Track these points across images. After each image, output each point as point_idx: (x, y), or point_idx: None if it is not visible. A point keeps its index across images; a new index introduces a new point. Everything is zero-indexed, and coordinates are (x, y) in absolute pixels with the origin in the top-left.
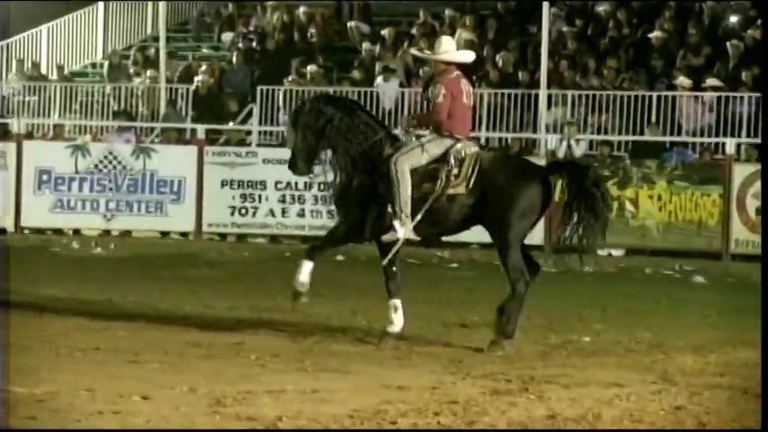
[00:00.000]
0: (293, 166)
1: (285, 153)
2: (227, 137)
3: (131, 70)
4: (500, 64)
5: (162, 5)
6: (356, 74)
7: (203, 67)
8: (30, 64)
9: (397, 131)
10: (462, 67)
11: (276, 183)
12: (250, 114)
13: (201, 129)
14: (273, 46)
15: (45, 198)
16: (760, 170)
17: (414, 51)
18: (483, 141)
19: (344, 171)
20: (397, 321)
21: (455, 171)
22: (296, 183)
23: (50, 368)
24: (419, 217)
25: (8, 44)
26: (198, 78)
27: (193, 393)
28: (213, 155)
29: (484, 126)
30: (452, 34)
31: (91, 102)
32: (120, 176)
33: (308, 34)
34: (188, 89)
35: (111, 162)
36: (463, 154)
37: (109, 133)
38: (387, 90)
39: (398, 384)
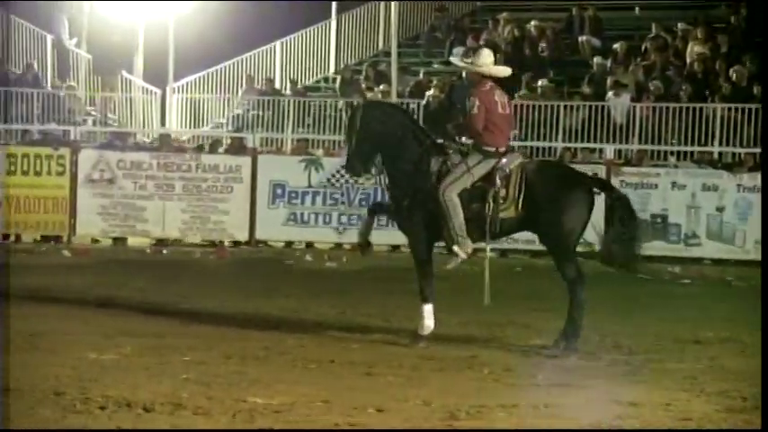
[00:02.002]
0: (350, 167)
1: None
2: None
3: (363, 85)
4: (734, 78)
5: (394, 20)
6: (587, 88)
7: (434, 82)
8: (265, 79)
9: (441, 140)
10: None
11: None
12: None
13: None
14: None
15: (279, 211)
16: None
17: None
18: (716, 156)
19: (396, 186)
20: (429, 324)
21: (502, 192)
22: None
23: (287, 380)
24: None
25: (242, 60)
26: (429, 93)
27: (427, 406)
28: None
29: (717, 141)
30: (684, 48)
31: (323, 116)
32: (353, 190)
33: (539, 48)
34: (419, 104)
35: (343, 176)
36: (508, 170)
37: (341, 148)
38: (618, 105)
39: (631, 400)
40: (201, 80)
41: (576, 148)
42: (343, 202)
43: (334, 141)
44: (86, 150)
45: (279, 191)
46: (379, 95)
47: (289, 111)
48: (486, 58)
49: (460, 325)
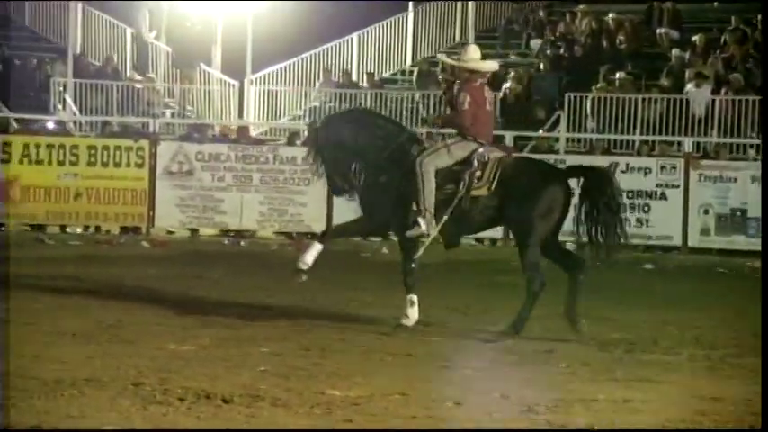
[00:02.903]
0: (335, 190)
1: (593, 161)
2: (535, 144)
3: (440, 77)
4: None
5: (471, 13)
6: (665, 81)
7: (511, 74)
8: (342, 72)
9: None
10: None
11: None
12: (558, 121)
13: (510, 136)
14: (581, 52)
15: (354, 204)
16: None
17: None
18: None
19: (370, 174)
20: (413, 315)
21: (478, 173)
22: None
23: (365, 372)
24: (445, 218)
25: (319, 52)
26: (506, 85)
27: (505, 400)
28: None
29: None
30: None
31: (400, 108)
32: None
33: (617, 41)
34: (495, 96)
35: None
36: (486, 158)
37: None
38: (697, 97)
39: (712, 395)
40: (279, 72)
41: (654, 141)
42: None
43: None
44: (165, 142)
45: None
46: None
47: (365, 103)
48: (473, 54)
49: (537, 318)
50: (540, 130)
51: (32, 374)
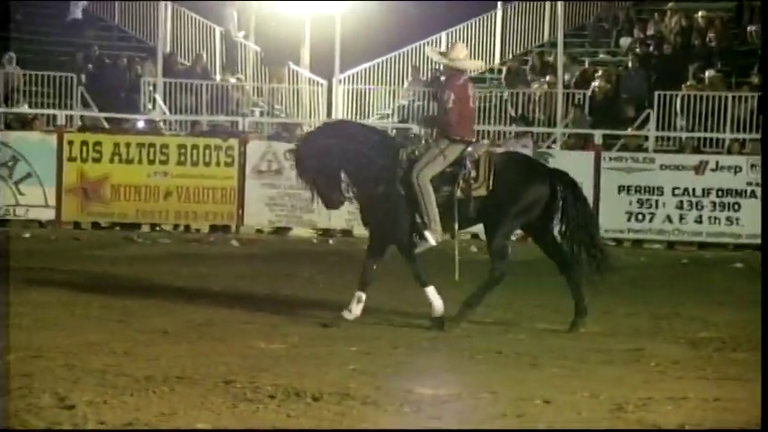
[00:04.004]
0: (328, 204)
1: (683, 159)
2: (624, 142)
3: (529, 76)
4: None
5: (560, 11)
6: (755, 78)
7: (600, 73)
8: (430, 70)
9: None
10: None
11: (674, 189)
12: (647, 120)
13: (599, 134)
14: (670, 50)
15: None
16: None
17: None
18: None
19: (365, 189)
20: (356, 312)
21: (473, 174)
22: (693, 189)
23: (453, 370)
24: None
25: (408, 51)
26: (595, 84)
27: (595, 399)
28: (610, 160)
29: None
30: None
31: (489, 107)
32: None
33: (707, 38)
34: (584, 94)
35: None
36: (476, 156)
37: (507, 139)
38: None
39: None
40: (367, 71)
41: (744, 139)
42: None
43: (498, 132)
44: (254, 141)
45: None
46: (545, 86)
47: None
48: (459, 53)
49: (626, 317)
50: (629, 129)
51: (124, 371)
